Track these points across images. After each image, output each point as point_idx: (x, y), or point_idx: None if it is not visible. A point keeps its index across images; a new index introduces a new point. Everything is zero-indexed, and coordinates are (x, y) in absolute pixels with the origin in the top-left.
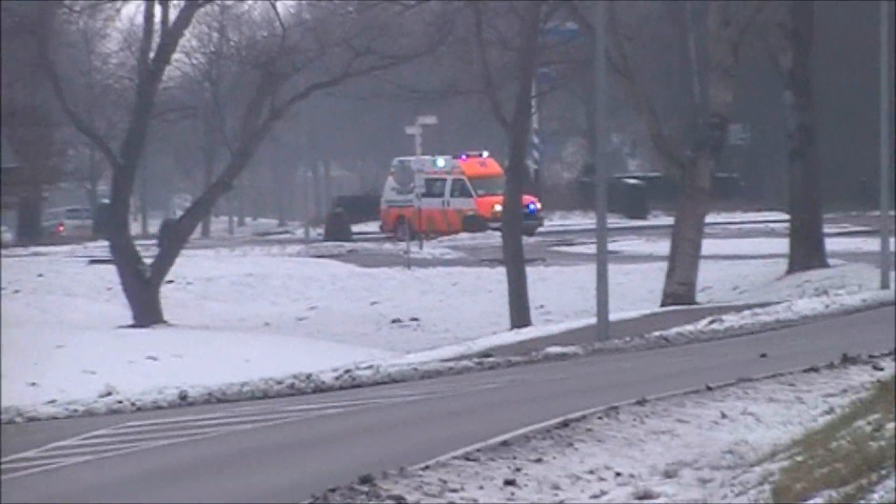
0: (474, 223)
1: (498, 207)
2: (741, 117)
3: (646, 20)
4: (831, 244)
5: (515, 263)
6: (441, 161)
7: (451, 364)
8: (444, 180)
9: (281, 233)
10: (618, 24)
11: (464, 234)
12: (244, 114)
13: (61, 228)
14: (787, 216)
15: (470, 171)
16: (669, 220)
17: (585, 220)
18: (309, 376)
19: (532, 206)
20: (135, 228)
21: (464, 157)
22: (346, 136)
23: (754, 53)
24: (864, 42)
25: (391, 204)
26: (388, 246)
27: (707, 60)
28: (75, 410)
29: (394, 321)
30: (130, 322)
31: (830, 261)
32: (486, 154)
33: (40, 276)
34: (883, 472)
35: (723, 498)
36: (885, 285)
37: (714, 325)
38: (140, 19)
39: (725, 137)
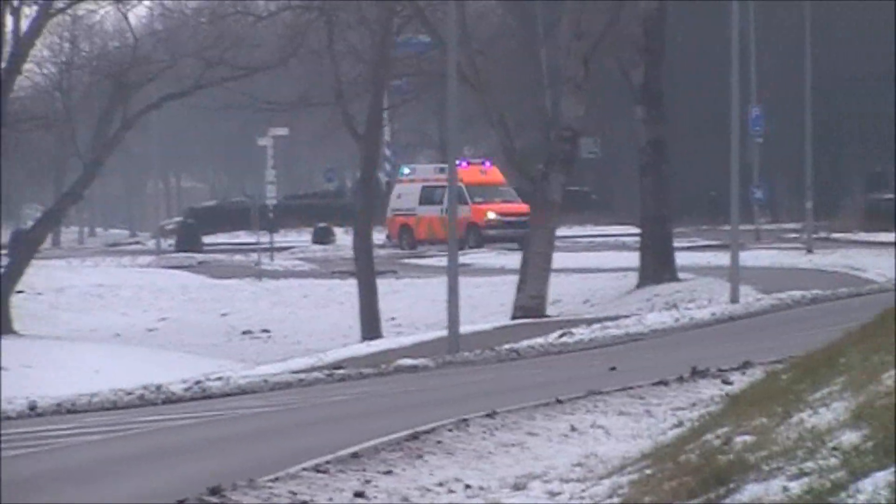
0: (472, 233)
1: (491, 216)
2: (593, 131)
3: (498, 34)
4: (682, 258)
5: (367, 275)
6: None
7: (301, 376)
8: (444, 188)
9: (132, 243)
10: (470, 38)
11: (316, 247)
12: (95, 124)
13: None
14: (637, 230)
15: (468, 179)
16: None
17: None
18: (159, 387)
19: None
20: None
21: (465, 163)
22: (198, 148)
23: (606, 68)
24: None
25: (396, 212)
26: (238, 257)
27: (559, 74)
28: None
29: (244, 332)
30: None
31: (681, 275)
32: (488, 163)
33: None
34: (731, 485)
35: None
36: (734, 299)
37: (564, 339)
38: None
39: (577, 151)
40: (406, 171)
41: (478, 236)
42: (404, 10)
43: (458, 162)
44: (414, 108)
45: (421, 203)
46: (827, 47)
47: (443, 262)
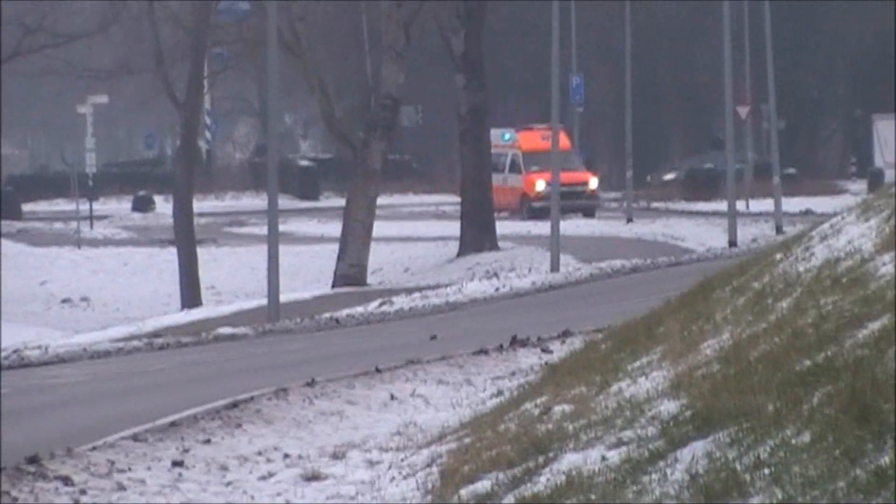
0: (525, 205)
1: (540, 186)
2: (413, 99)
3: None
4: (502, 227)
5: (187, 244)
6: (507, 134)
7: (121, 344)
8: (506, 155)
9: None
10: (290, 4)
11: (136, 215)
12: None
13: None
14: (458, 198)
15: (527, 146)
16: (341, 202)
17: (257, 201)
18: None
19: (584, 185)
20: None
21: (526, 128)
22: (16, 114)
23: (427, 35)
24: (535, 25)
25: None
26: (58, 225)
27: (380, 41)
28: None
29: (64, 301)
30: None
31: (501, 244)
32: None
33: None
34: (550, 454)
35: (391, 480)
36: (554, 268)
37: (384, 307)
38: None
39: (397, 119)
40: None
41: (530, 208)
42: None
43: (519, 126)
44: (234, 76)
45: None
46: (647, 14)
47: (263, 230)
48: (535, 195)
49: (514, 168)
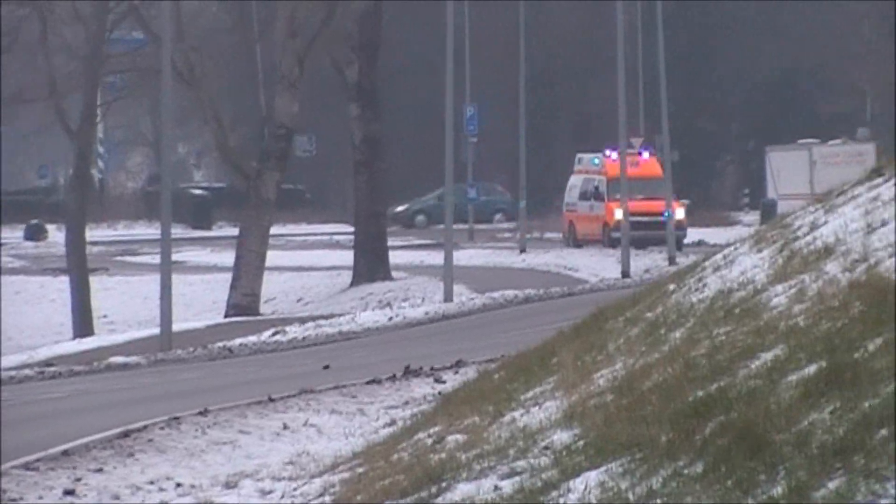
0: (605, 234)
1: (619, 215)
2: (307, 128)
3: (213, 30)
4: (395, 257)
5: (79, 272)
6: (597, 159)
7: (12, 373)
8: (594, 181)
9: None
10: (184, 34)
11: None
12: None
13: None
14: (351, 228)
15: (613, 172)
16: (235, 231)
17: (150, 230)
18: None
19: (668, 214)
20: None
21: (615, 153)
22: None
23: (321, 65)
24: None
25: (566, 207)
26: None
27: (274, 72)
28: None
29: None
30: None
31: (395, 273)
32: (646, 152)
33: None
34: (443, 484)
35: None
36: (448, 298)
37: (278, 337)
38: None
39: (291, 149)
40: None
41: (610, 238)
42: (118, 7)
43: (607, 151)
44: (128, 105)
45: (579, 198)
46: (542, 48)
47: (156, 259)
48: (615, 224)
49: (599, 196)
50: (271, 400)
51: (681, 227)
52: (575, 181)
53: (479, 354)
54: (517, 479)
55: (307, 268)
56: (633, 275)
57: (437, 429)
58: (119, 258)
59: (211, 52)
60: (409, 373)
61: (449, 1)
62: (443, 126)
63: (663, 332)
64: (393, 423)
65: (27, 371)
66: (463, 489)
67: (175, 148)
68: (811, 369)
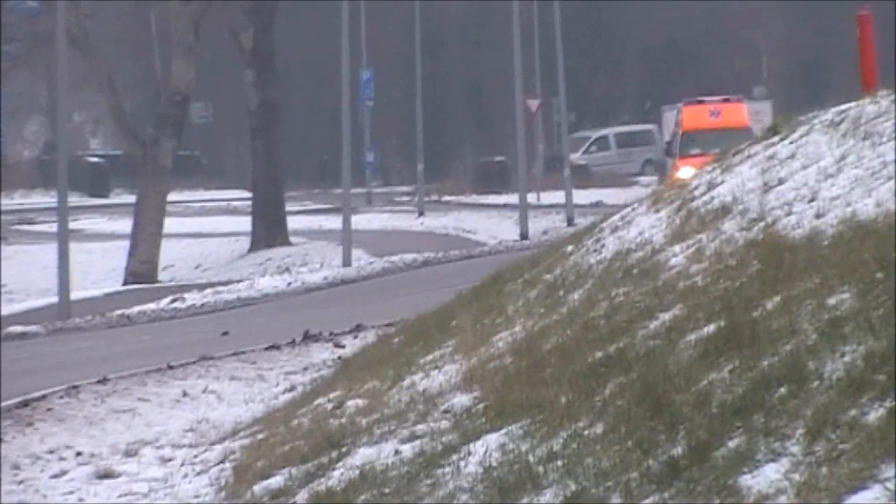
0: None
1: (686, 174)
2: (203, 94)
3: None
4: (294, 222)
5: None
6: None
7: None
8: (676, 135)
9: None
10: (79, 0)
11: None
12: None
13: None
14: (249, 194)
15: (689, 124)
16: (132, 199)
17: (47, 199)
18: None
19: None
20: None
21: (694, 101)
22: None
23: (216, 30)
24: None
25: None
26: None
27: (169, 37)
28: None
29: None
30: None
31: (293, 239)
32: (733, 99)
33: None
34: (344, 449)
35: (184, 476)
36: (347, 263)
37: (176, 304)
38: None
39: (187, 115)
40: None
41: None
42: None
43: (689, 99)
44: (22, 73)
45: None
46: (437, 11)
47: (54, 227)
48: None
49: (672, 152)
50: (170, 367)
51: None
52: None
53: (378, 319)
54: (417, 442)
55: (205, 234)
56: (531, 237)
57: (337, 394)
58: (16, 227)
59: (106, 19)
60: (308, 338)
61: None
62: (339, 90)
63: (562, 294)
64: (293, 388)
65: None
66: (363, 453)
67: (71, 115)
68: (710, 329)
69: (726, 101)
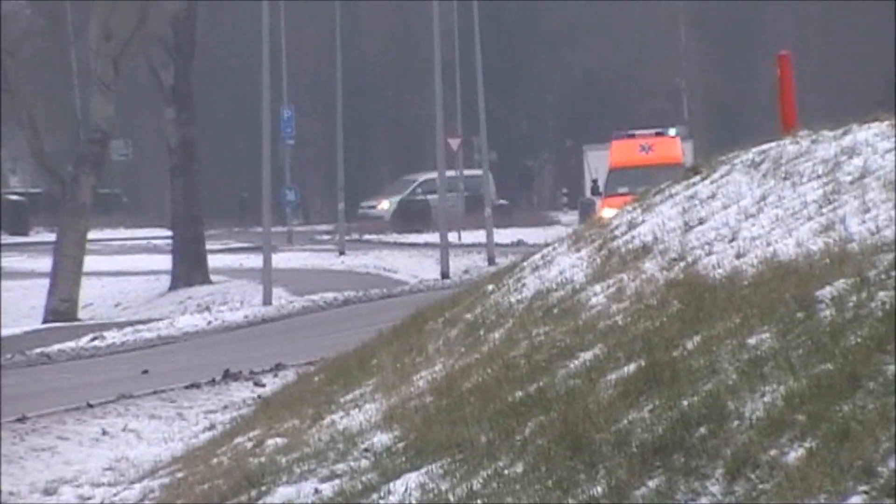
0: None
1: (609, 214)
2: (123, 132)
3: (27, 33)
4: (214, 260)
5: None
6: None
7: None
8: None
9: None
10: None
11: None
12: None
13: None
14: (169, 232)
15: (618, 160)
16: (52, 237)
17: None
18: None
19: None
20: None
21: (624, 135)
22: None
23: (136, 68)
24: (246, 58)
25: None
26: None
27: (89, 75)
28: None
29: None
30: None
31: (213, 277)
32: (673, 131)
33: None
34: (263, 487)
35: None
36: (267, 301)
37: (96, 342)
38: None
39: (107, 152)
40: None
41: None
42: None
43: (615, 133)
44: None
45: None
46: (358, 49)
47: None
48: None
49: (597, 190)
50: (90, 406)
51: None
52: None
53: (298, 357)
54: (337, 481)
55: (125, 272)
56: (452, 275)
57: (256, 432)
58: None
59: (25, 56)
60: (228, 376)
61: (264, 1)
62: (260, 129)
63: (482, 333)
64: (212, 427)
65: None
66: (283, 492)
67: None
68: (630, 368)
69: (659, 134)
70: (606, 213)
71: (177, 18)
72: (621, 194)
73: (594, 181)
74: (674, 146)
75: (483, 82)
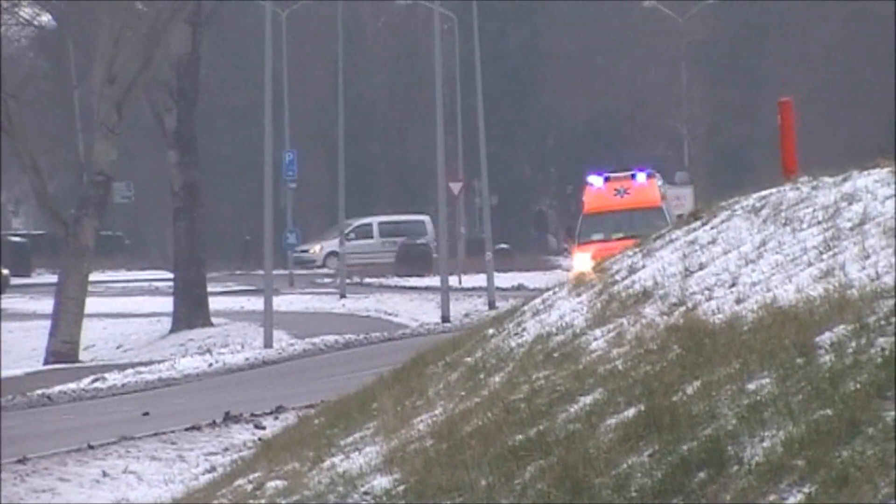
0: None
1: (583, 265)
2: (126, 175)
3: (30, 77)
4: (215, 303)
5: None
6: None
7: None
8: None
9: None
10: (1, 81)
11: None
12: None
13: None
14: (171, 274)
15: (591, 206)
16: (54, 278)
17: None
18: None
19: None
20: None
21: (602, 178)
22: None
23: (139, 111)
24: (248, 102)
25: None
26: None
27: (92, 118)
28: None
29: None
30: None
31: (214, 319)
32: (646, 174)
33: None
34: None
35: None
36: (268, 344)
37: (97, 384)
38: None
39: (109, 195)
40: None
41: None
42: None
43: (597, 174)
44: None
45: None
46: (361, 93)
47: None
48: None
49: (571, 235)
50: (91, 447)
51: None
52: None
53: (299, 400)
54: None
55: (127, 314)
56: (452, 319)
57: (257, 475)
58: None
59: (28, 99)
60: (229, 419)
61: (267, 46)
62: (262, 172)
63: (483, 377)
64: (213, 469)
65: None
66: None
67: None
68: (630, 412)
69: (633, 176)
70: (578, 262)
71: (180, 63)
72: (595, 241)
73: (568, 228)
74: (651, 189)
75: (485, 126)
